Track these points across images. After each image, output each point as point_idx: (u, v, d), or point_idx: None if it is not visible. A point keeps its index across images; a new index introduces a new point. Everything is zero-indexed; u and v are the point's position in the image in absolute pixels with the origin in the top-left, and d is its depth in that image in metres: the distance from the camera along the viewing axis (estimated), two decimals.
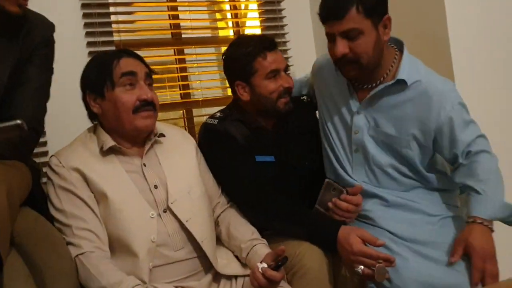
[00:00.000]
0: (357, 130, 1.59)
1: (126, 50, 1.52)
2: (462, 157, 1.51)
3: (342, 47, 1.45)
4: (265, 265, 1.32)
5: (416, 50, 2.10)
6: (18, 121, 1.05)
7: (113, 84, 1.39)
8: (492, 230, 1.41)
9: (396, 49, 1.58)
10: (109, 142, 1.41)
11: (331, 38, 1.48)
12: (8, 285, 1.17)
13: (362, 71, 1.50)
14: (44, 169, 1.44)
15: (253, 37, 1.76)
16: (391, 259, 1.34)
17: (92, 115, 1.48)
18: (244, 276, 1.43)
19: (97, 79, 1.41)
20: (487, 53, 2.08)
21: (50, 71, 1.49)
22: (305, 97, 1.82)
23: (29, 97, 1.39)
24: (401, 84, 1.52)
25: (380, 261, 1.33)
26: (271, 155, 1.65)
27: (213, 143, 1.63)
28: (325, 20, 1.48)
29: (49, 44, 1.47)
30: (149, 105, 1.41)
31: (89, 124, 1.52)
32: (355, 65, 1.48)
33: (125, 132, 1.42)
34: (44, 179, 1.45)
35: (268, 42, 1.64)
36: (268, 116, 1.69)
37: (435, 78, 1.57)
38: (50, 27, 1.48)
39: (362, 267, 1.34)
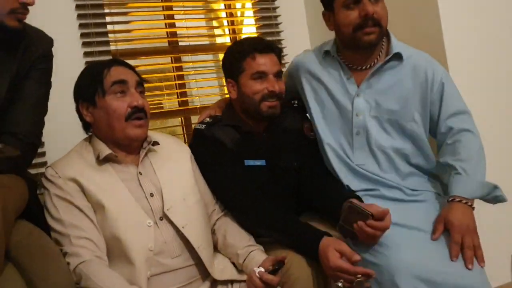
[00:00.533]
0: (358, 113, 1.61)
1: (117, 59, 1.53)
2: (445, 129, 1.56)
3: (371, 6, 1.49)
4: (262, 269, 1.33)
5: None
6: (16, 153, 1.10)
7: (104, 92, 1.41)
8: (472, 208, 1.45)
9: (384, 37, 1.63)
10: (106, 150, 1.42)
11: (355, 1, 1.50)
12: None
13: (380, 36, 1.54)
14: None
15: (251, 38, 1.78)
16: (370, 274, 1.33)
17: (86, 126, 1.50)
18: (240, 281, 1.43)
19: (88, 88, 1.43)
20: (481, 50, 2.10)
21: (48, 85, 1.50)
22: (296, 101, 1.82)
23: (27, 112, 1.40)
24: (397, 59, 1.58)
25: (359, 276, 1.32)
26: (262, 159, 1.65)
27: (201, 148, 1.64)
28: None
29: (48, 59, 1.49)
30: (140, 112, 1.42)
31: (84, 134, 1.53)
32: (377, 28, 1.52)
33: (118, 140, 1.43)
34: (41, 190, 1.45)
35: (262, 45, 1.65)
36: (258, 120, 1.69)
37: (423, 53, 1.64)
38: (49, 42, 1.49)
39: (342, 281, 1.33)
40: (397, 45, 1.59)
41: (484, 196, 1.49)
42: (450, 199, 1.47)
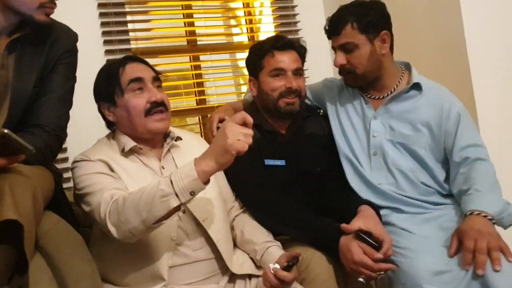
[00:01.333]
0: (375, 134, 1.66)
1: (131, 56, 1.57)
2: (459, 159, 1.57)
3: (340, 58, 1.65)
4: (277, 265, 1.33)
5: (433, 53, 2.11)
6: (31, 148, 1.11)
7: (122, 91, 1.43)
8: (489, 219, 1.38)
9: (403, 69, 1.74)
10: (130, 143, 1.44)
11: (335, 51, 1.68)
12: (33, 286, 1.20)
13: (358, 80, 1.68)
14: (67, 174, 1.47)
15: (272, 37, 1.80)
16: (393, 269, 1.34)
17: (110, 124, 1.53)
18: (258, 276, 1.44)
19: (106, 88, 1.46)
20: (504, 53, 2.08)
21: (73, 79, 1.54)
22: (321, 111, 1.85)
23: (53, 105, 1.43)
24: (416, 89, 1.66)
25: (381, 272, 1.32)
26: (282, 159, 1.66)
27: None
28: (328, 36, 1.70)
29: (73, 53, 1.52)
30: (159, 106, 1.44)
31: (107, 130, 1.56)
32: (351, 75, 1.67)
33: (140, 135, 1.46)
34: (67, 184, 1.48)
35: (281, 42, 1.68)
36: (279, 118, 1.70)
37: (442, 87, 1.71)
38: (74, 37, 1.53)
39: (364, 277, 1.34)
40: (417, 77, 1.67)
41: (499, 214, 1.41)
42: (468, 214, 1.42)
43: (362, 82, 1.68)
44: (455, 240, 1.39)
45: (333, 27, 1.65)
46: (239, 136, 1.15)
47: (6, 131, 1.04)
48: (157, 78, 1.50)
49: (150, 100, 1.43)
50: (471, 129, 1.63)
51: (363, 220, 1.44)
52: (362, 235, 1.38)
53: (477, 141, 1.61)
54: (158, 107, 1.43)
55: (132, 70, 1.46)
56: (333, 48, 1.69)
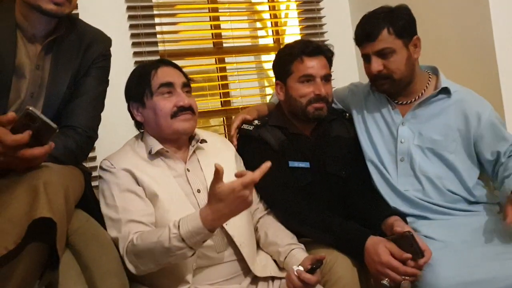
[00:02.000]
0: (403, 140, 1.66)
1: (164, 60, 1.58)
2: (504, 156, 1.58)
3: (377, 65, 1.63)
4: (301, 268, 1.34)
5: (461, 56, 2.08)
6: (54, 126, 1.14)
7: (152, 93, 1.46)
8: None
9: (430, 73, 1.74)
10: (157, 145, 1.47)
11: (367, 59, 1.67)
12: (62, 282, 1.24)
13: (395, 85, 1.66)
14: (95, 173, 1.51)
15: (301, 41, 1.80)
16: (417, 275, 1.33)
17: (138, 124, 1.56)
18: (281, 278, 1.45)
19: (137, 89, 1.49)
20: None
21: (106, 83, 1.58)
22: (347, 114, 1.84)
23: (86, 107, 1.48)
24: (444, 93, 1.66)
25: (406, 277, 1.31)
26: (306, 161, 1.67)
27: (246, 148, 1.67)
28: (361, 43, 1.67)
29: (107, 57, 1.56)
30: (186, 110, 1.46)
31: (134, 130, 1.59)
32: (388, 80, 1.65)
33: (166, 136, 1.48)
34: (95, 183, 1.52)
35: (311, 48, 1.67)
36: (305, 122, 1.71)
37: (469, 90, 1.71)
38: (108, 41, 1.57)
39: (388, 280, 1.33)
40: (445, 81, 1.67)
41: None
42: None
43: (398, 87, 1.67)
44: (510, 208, 1.37)
45: (367, 34, 1.63)
46: (238, 202, 1.20)
47: (30, 108, 1.08)
48: (187, 84, 1.52)
49: (177, 104, 1.45)
50: (502, 129, 1.63)
51: (405, 225, 1.44)
52: (413, 236, 1.36)
53: (510, 137, 1.62)
54: (184, 111, 1.46)
55: (164, 74, 1.48)
56: (365, 55, 1.67)
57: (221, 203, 1.20)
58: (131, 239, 1.30)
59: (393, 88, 1.66)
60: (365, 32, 1.63)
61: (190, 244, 1.22)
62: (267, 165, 1.19)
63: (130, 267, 1.31)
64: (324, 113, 1.68)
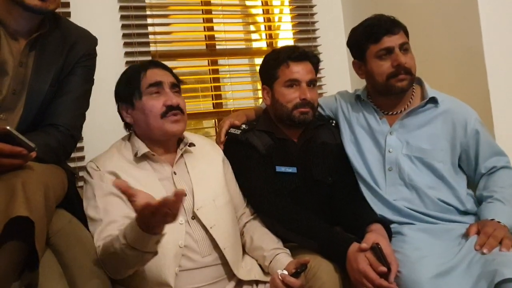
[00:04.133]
0: (391, 149, 1.65)
1: (153, 61, 1.58)
2: (485, 170, 1.61)
3: (403, 56, 1.60)
4: (285, 272, 1.33)
5: (450, 64, 2.09)
6: (33, 145, 1.14)
7: (141, 94, 1.46)
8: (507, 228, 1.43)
9: (414, 84, 1.72)
10: (143, 148, 1.46)
11: (388, 52, 1.61)
12: (43, 283, 1.22)
13: (410, 84, 1.65)
14: (81, 173, 1.50)
15: (287, 47, 1.79)
16: None
17: (127, 125, 1.55)
18: (265, 282, 1.45)
19: (126, 90, 1.49)
20: None
21: (91, 82, 1.57)
22: (334, 122, 1.84)
23: (69, 105, 1.46)
24: (432, 102, 1.67)
25: None
26: (293, 167, 1.66)
27: (234, 152, 1.67)
28: (379, 38, 1.62)
29: (92, 57, 1.55)
30: (175, 110, 1.46)
31: (124, 130, 1.58)
32: (408, 76, 1.62)
33: (156, 137, 1.47)
34: (80, 183, 1.51)
35: (297, 53, 1.67)
36: (292, 126, 1.71)
37: (454, 98, 1.71)
38: (94, 40, 1.56)
39: None
40: (431, 91, 1.68)
41: None
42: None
43: (409, 87, 1.66)
44: (476, 226, 1.44)
45: (388, 28, 1.61)
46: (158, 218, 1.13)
47: (8, 127, 1.08)
48: (176, 84, 1.52)
49: (166, 103, 1.45)
50: (490, 139, 1.66)
51: (377, 237, 1.43)
52: (379, 248, 1.36)
53: (499, 150, 1.65)
54: (173, 110, 1.45)
55: (153, 75, 1.48)
56: (387, 49, 1.60)
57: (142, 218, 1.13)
58: (98, 245, 1.31)
59: (408, 86, 1.64)
60: (386, 26, 1.61)
61: (143, 249, 1.19)
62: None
63: (107, 272, 1.31)
64: (309, 118, 1.67)
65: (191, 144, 1.54)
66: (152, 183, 1.43)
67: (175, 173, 1.48)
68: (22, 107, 1.39)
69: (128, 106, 1.49)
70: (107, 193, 1.39)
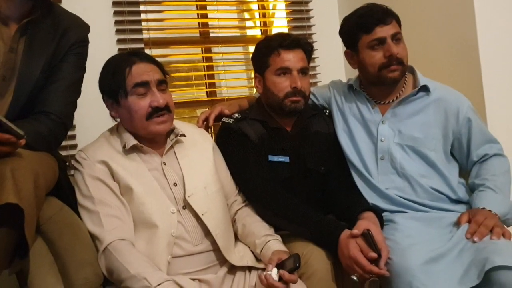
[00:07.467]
0: (383, 138, 1.65)
1: (138, 53, 1.52)
2: (477, 158, 1.63)
3: (395, 47, 1.59)
4: (275, 270, 1.31)
5: (445, 56, 2.08)
6: (22, 133, 1.13)
7: (126, 93, 1.43)
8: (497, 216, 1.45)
9: (407, 72, 1.71)
10: (131, 141, 1.45)
11: (380, 42, 1.60)
12: (34, 271, 1.22)
13: (402, 74, 1.64)
14: (71, 162, 1.49)
15: (279, 34, 1.77)
16: (384, 275, 1.33)
17: (114, 116, 1.53)
18: (258, 269, 1.45)
19: (111, 86, 1.45)
20: None
21: (83, 69, 1.55)
22: (327, 111, 1.83)
23: (61, 93, 1.45)
24: (423, 91, 1.66)
25: (373, 275, 1.32)
26: (285, 156, 1.66)
27: (226, 141, 1.67)
28: (371, 29, 1.60)
29: (84, 44, 1.53)
30: (161, 110, 1.44)
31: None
32: (400, 66, 1.62)
33: (141, 135, 1.47)
34: (71, 172, 1.50)
35: (288, 41, 1.65)
36: (284, 115, 1.70)
37: (447, 86, 1.70)
38: (86, 28, 1.54)
39: (357, 275, 1.34)
40: (423, 79, 1.67)
41: (505, 215, 1.49)
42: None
43: (401, 77, 1.65)
44: (467, 215, 1.46)
45: (380, 18, 1.59)
46: None
47: None
48: (163, 80, 1.48)
49: (152, 104, 1.42)
50: (482, 127, 1.66)
51: (368, 224, 1.44)
52: (370, 234, 1.38)
53: (491, 137, 1.65)
54: (160, 111, 1.43)
55: (139, 72, 1.43)
56: (379, 40, 1.59)
57: None
58: (111, 242, 1.31)
59: (400, 76, 1.63)
60: (378, 16, 1.60)
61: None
62: None
63: (104, 272, 1.31)
64: (300, 107, 1.66)
65: (182, 135, 1.53)
66: (142, 173, 1.42)
67: (164, 164, 1.47)
68: (12, 93, 1.37)
69: (113, 102, 1.46)
70: (98, 182, 1.38)
